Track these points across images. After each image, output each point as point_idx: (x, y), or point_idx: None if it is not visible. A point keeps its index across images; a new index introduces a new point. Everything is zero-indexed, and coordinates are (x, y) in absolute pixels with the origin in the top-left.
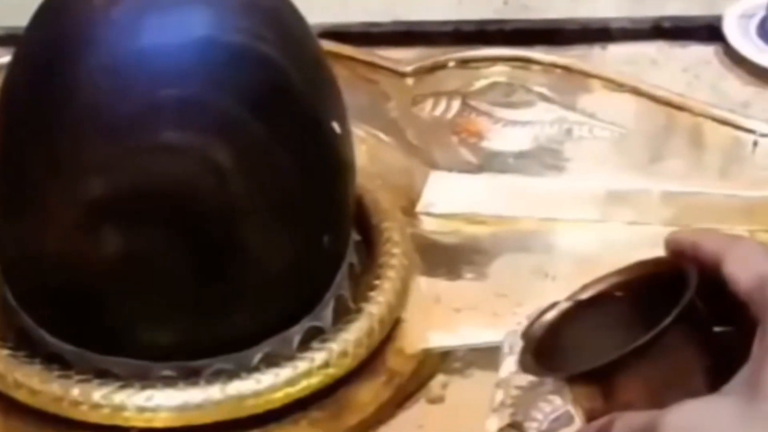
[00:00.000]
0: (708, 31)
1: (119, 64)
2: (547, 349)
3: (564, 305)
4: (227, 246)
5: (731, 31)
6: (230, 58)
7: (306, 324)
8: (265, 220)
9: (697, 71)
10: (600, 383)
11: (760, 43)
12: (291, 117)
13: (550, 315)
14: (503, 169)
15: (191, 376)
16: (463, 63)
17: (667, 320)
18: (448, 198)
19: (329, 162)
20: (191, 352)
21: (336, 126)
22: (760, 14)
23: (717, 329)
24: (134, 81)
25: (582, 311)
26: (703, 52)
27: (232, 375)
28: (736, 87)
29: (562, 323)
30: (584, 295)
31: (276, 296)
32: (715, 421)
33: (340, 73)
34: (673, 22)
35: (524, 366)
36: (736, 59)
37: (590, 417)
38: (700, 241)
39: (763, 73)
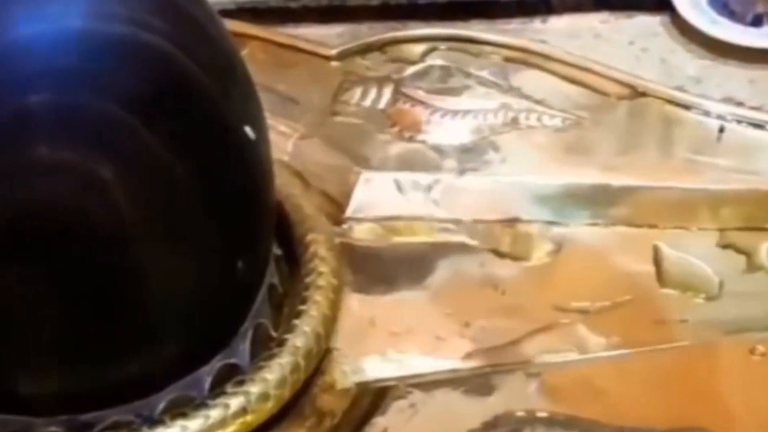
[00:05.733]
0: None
1: None
2: None
3: None
4: (115, 279)
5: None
6: (113, 53)
7: (218, 362)
8: (163, 247)
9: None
10: None
11: (712, 13)
12: (191, 122)
13: None
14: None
15: None
16: (395, 44)
17: None
18: (381, 201)
19: (241, 174)
20: (81, 404)
21: (249, 131)
22: None
23: None
24: None
25: None
26: (651, 23)
27: (131, 429)
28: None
29: None
30: None
31: (179, 333)
32: None
33: (255, 57)
34: None
35: None
36: (686, 30)
37: None
38: None
39: (715, 46)
